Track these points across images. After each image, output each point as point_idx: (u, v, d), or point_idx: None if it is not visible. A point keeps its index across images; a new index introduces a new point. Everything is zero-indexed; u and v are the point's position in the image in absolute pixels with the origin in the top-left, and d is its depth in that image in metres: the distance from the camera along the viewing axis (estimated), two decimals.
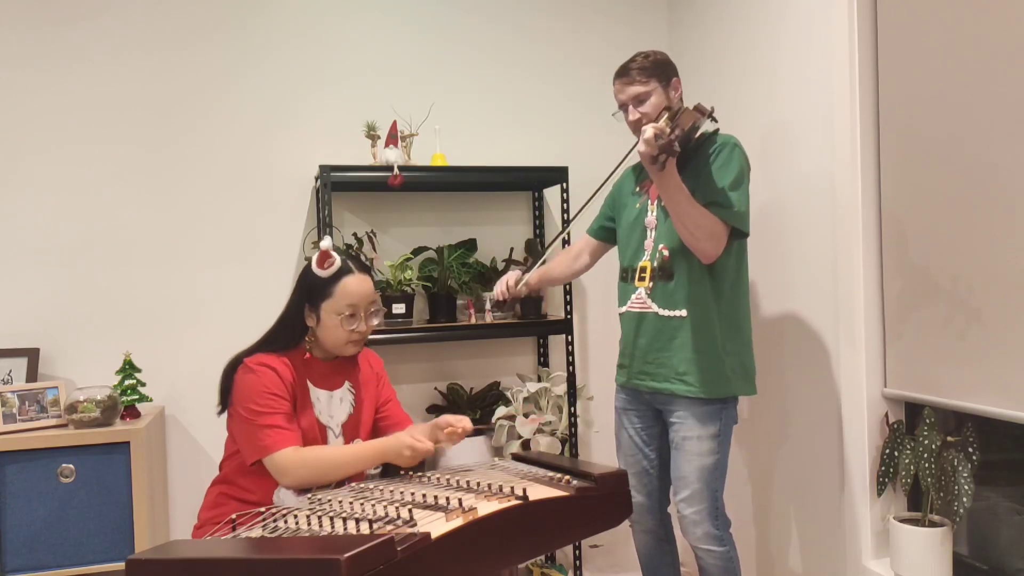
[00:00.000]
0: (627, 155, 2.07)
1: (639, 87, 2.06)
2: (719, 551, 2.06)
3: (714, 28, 2.85)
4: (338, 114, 2.81)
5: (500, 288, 2.26)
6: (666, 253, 2.06)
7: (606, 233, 2.35)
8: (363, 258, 2.75)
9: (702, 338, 2.03)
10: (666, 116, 1.90)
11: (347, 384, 1.89)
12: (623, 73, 2.10)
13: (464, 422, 1.76)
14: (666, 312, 2.06)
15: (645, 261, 2.11)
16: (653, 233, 2.11)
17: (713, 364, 2.03)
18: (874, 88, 2.14)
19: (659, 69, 2.07)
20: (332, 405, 1.84)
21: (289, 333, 1.81)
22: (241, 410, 1.70)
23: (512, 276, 2.27)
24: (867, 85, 2.13)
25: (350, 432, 1.84)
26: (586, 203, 2.16)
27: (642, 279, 2.11)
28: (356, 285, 1.76)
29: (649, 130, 1.81)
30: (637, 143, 1.99)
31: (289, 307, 1.83)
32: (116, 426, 2.29)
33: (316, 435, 1.77)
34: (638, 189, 2.21)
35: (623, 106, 2.11)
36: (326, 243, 1.77)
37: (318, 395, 1.81)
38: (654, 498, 2.24)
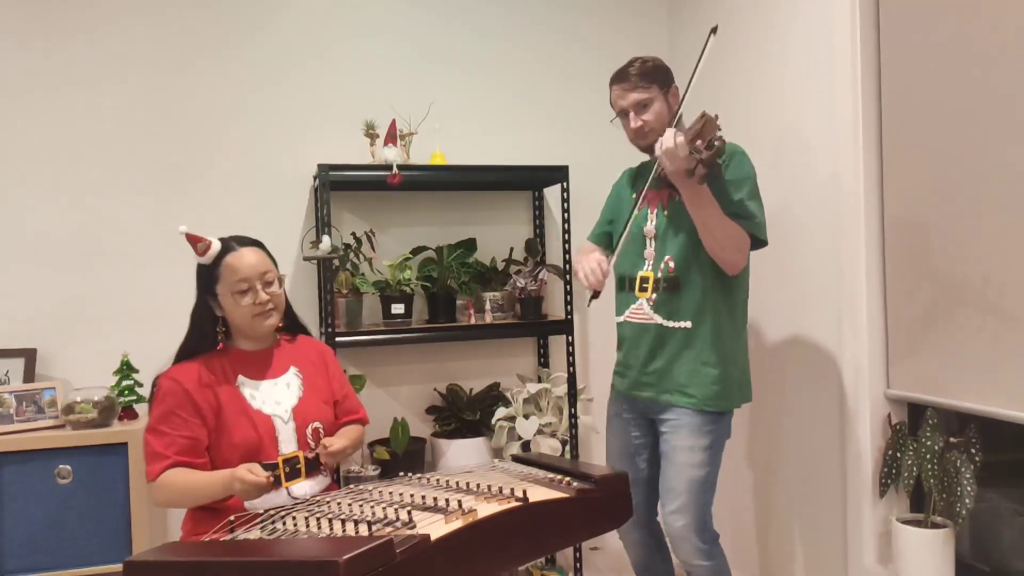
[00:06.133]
0: (655, 172, 1.99)
1: (642, 93, 2.02)
2: (706, 565, 2.02)
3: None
4: (337, 113, 2.80)
5: (596, 276, 1.96)
6: (672, 265, 2.02)
7: (607, 239, 2.28)
8: (361, 257, 2.74)
9: (707, 350, 2.00)
10: (689, 128, 1.82)
11: (293, 369, 1.87)
12: (623, 78, 2.05)
13: (335, 444, 1.76)
14: (671, 324, 2.03)
15: (647, 271, 2.07)
16: (654, 243, 2.07)
17: (718, 376, 2.00)
18: (876, 92, 2.13)
19: (659, 75, 2.05)
20: (277, 392, 1.81)
21: (200, 332, 1.82)
22: (146, 428, 1.73)
23: (602, 259, 2.00)
24: (870, 89, 2.12)
25: (301, 416, 1.81)
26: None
27: (643, 290, 2.07)
28: (240, 259, 1.78)
29: (683, 147, 1.76)
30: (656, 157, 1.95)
31: (195, 307, 1.84)
32: (113, 427, 2.28)
33: (253, 428, 1.74)
34: (636, 197, 2.15)
35: (623, 112, 2.07)
36: (184, 228, 1.77)
37: (256, 386, 1.80)
38: (640, 510, 2.18)
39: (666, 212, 2.06)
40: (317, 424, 1.83)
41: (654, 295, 2.05)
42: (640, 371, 2.10)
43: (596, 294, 1.99)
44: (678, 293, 2.02)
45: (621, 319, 2.15)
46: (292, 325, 1.96)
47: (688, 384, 2.01)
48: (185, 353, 1.82)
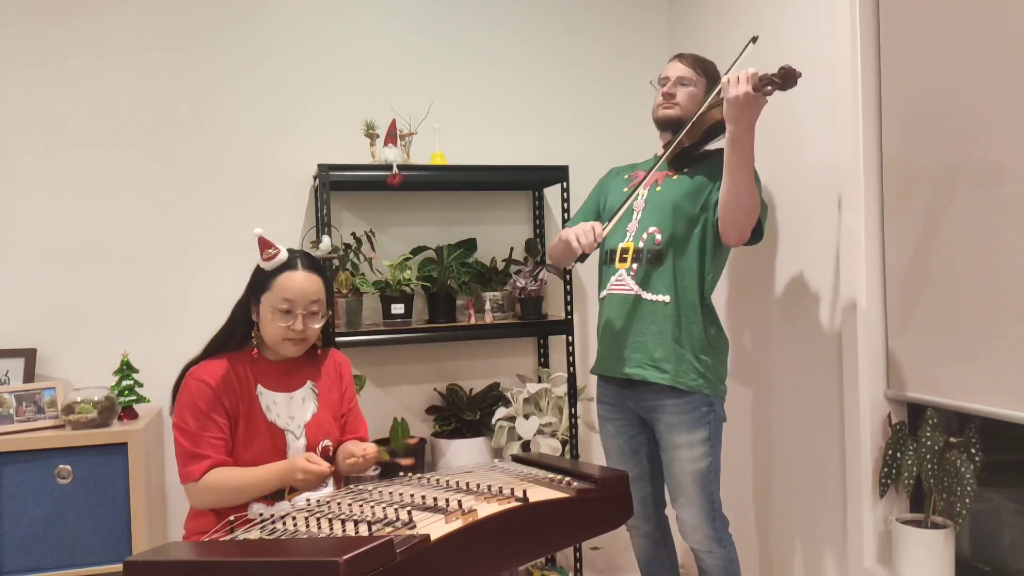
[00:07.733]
0: (675, 142, 2.06)
1: (689, 72, 2.13)
2: (719, 552, 2.06)
3: (714, 29, 2.84)
4: (337, 113, 2.80)
5: (587, 238, 1.93)
6: (659, 237, 2.06)
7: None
8: (361, 257, 2.73)
9: (685, 327, 2.02)
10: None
11: (309, 383, 1.86)
12: (683, 55, 2.18)
13: (369, 449, 1.76)
14: (649, 296, 2.06)
15: (628, 243, 2.11)
16: (639, 215, 2.12)
17: (693, 356, 2.02)
18: (876, 89, 2.12)
19: (711, 74, 2.17)
20: (292, 406, 1.81)
21: (232, 330, 1.81)
22: (174, 427, 1.72)
23: (596, 224, 1.98)
24: (870, 86, 2.12)
25: (313, 432, 1.82)
26: (679, 136, 2.06)
27: (623, 260, 2.10)
28: (294, 281, 1.74)
29: (750, 69, 1.80)
30: (678, 138, 2.03)
31: (238, 302, 1.83)
32: (113, 427, 2.28)
33: (267, 440, 1.75)
34: (627, 176, 2.24)
35: (664, 79, 2.16)
36: (259, 230, 1.75)
37: (273, 398, 1.79)
38: (648, 503, 2.22)
39: (659, 188, 2.11)
40: (327, 443, 1.83)
41: (634, 265, 2.08)
42: (616, 344, 2.11)
43: (583, 257, 1.97)
44: (660, 266, 2.05)
45: (603, 294, 2.17)
46: (323, 342, 1.92)
47: (664, 359, 2.02)
48: (215, 346, 1.81)
